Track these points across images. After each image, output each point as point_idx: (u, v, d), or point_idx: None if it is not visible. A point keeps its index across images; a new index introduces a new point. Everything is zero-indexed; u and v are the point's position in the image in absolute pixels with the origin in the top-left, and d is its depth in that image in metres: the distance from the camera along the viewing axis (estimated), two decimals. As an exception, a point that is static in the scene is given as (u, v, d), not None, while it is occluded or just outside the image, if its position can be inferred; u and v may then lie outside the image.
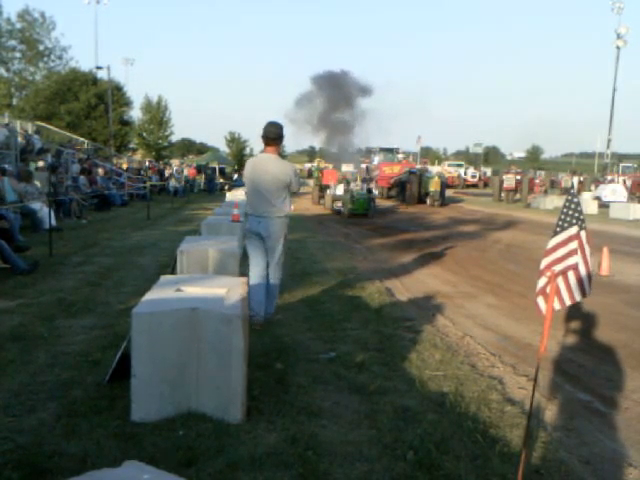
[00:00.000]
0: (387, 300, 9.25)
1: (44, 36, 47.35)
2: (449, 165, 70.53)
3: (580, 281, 3.60)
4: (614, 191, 36.83)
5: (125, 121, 58.50)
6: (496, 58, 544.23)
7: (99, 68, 50.74)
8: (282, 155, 7.56)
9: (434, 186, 33.39)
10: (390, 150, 42.04)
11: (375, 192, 33.17)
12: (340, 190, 28.30)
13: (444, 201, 34.23)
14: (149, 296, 4.92)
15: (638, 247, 17.86)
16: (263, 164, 7.40)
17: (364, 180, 29.39)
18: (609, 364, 6.89)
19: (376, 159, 40.86)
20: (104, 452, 3.90)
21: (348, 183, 28.16)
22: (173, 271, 7.79)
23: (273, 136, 7.36)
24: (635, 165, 61.28)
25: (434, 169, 50.78)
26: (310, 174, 54.68)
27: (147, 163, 47.46)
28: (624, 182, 40.82)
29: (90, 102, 51.44)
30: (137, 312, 4.44)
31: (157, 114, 63.65)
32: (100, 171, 28.16)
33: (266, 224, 7.30)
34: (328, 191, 30.50)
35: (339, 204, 27.73)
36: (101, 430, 4.24)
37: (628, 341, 7.80)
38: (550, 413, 5.40)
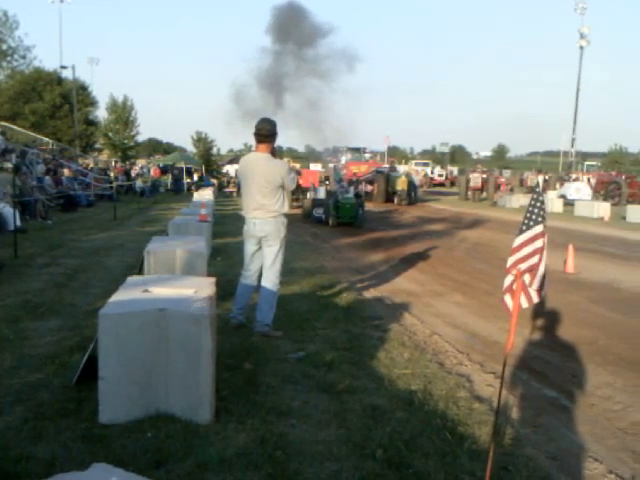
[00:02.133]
0: (355, 299, 9.29)
1: (7, 35, 46.79)
2: (416, 164, 70.76)
3: (544, 278, 3.64)
4: (579, 189, 37.30)
5: (90, 121, 58.00)
6: (461, 58, 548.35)
7: (64, 68, 50.28)
8: (275, 153, 7.19)
9: (401, 185, 33.41)
10: (357, 149, 42.11)
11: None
12: (322, 194, 24.35)
13: (411, 200, 34.29)
14: (116, 297, 4.89)
15: (603, 245, 18.10)
16: (254, 165, 7.03)
17: (351, 182, 25.56)
18: (575, 361, 6.98)
19: (343, 158, 40.87)
20: (72, 455, 3.87)
21: (331, 184, 24.19)
22: (140, 272, 7.73)
23: (265, 133, 6.98)
24: (599, 164, 62.17)
25: (401, 168, 50.96)
26: None
27: (113, 163, 47.12)
28: (588, 180, 41.41)
29: (55, 102, 50.97)
30: (104, 313, 4.40)
31: (123, 114, 62.98)
32: (66, 171, 27.89)
33: (261, 225, 7.00)
34: (308, 194, 26.31)
35: (320, 211, 23.29)
36: (69, 433, 4.20)
37: (593, 338, 7.91)
38: (517, 410, 5.46)
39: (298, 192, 28.26)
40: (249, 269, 7.31)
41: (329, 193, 23.47)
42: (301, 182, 29.11)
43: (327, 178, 26.20)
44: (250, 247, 7.23)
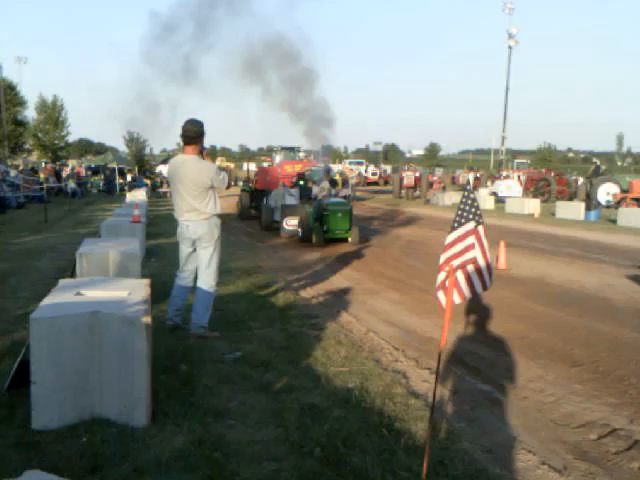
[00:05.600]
0: (292, 298, 9.29)
1: None
2: (350, 163, 71.06)
3: (480, 274, 3.70)
4: (509, 187, 38.03)
5: (19, 121, 56.91)
6: (394, 57, 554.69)
7: (-10, 67, 49.20)
8: (203, 153, 7.10)
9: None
10: (291, 149, 42.05)
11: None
12: (294, 199, 19.12)
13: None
14: (48, 300, 4.80)
15: (533, 240, 18.43)
16: (182, 166, 6.95)
17: (332, 182, 18.35)
18: (508, 355, 7.10)
19: (277, 158, 40.78)
20: (4, 463, 3.79)
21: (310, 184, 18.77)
22: (72, 274, 7.62)
23: (192, 135, 6.90)
24: (528, 161, 63.33)
25: (336, 167, 51.17)
26: None
27: (43, 164, 46.25)
28: (519, 178, 42.13)
29: (-19, 102, 49.86)
30: (35, 317, 4.32)
31: (53, 114, 61.85)
32: (-7, 173, 27.28)
33: (194, 227, 6.94)
34: (267, 200, 20.78)
35: (293, 222, 17.61)
36: (0, 440, 4.11)
37: (525, 332, 8.05)
38: (453, 405, 5.54)
39: (258, 198, 23.01)
40: (184, 270, 7.25)
41: (306, 197, 18.30)
42: (256, 185, 25.54)
43: (301, 177, 20.85)
44: (185, 249, 7.18)
